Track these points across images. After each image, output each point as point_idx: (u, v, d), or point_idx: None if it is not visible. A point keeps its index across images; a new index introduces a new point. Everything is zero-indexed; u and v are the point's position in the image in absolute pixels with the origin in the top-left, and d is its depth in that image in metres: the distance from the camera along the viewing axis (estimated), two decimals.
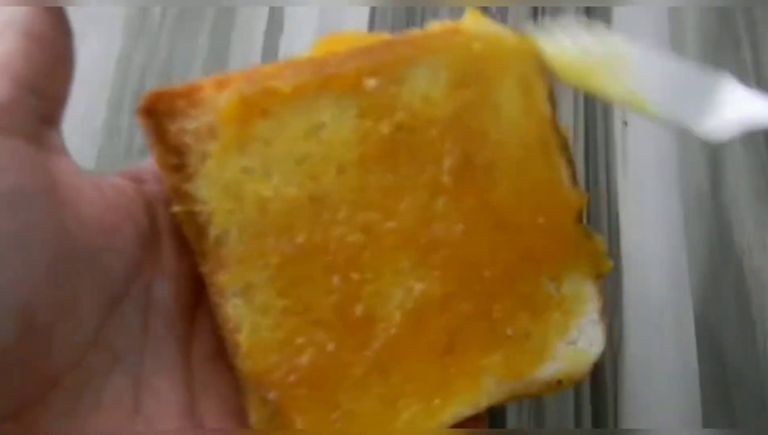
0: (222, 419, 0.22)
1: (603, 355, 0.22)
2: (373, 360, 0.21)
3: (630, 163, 0.47)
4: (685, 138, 0.48)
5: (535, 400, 0.41)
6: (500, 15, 0.52)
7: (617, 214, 0.45)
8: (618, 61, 0.23)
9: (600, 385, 0.41)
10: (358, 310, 0.22)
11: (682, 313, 0.43)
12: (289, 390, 0.21)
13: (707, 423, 0.40)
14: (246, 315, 0.21)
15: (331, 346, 0.21)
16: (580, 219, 0.24)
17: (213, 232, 0.21)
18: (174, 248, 0.23)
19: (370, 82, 0.22)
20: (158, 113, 0.21)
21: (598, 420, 0.41)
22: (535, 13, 0.52)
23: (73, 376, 0.20)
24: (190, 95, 0.22)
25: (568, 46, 0.24)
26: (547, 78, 0.24)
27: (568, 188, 0.24)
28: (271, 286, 0.21)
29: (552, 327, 0.23)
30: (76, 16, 0.22)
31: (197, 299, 0.23)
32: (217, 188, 0.21)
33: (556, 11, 0.52)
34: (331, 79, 0.22)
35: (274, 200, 0.21)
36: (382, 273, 0.22)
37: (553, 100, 0.24)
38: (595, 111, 0.48)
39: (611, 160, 0.47)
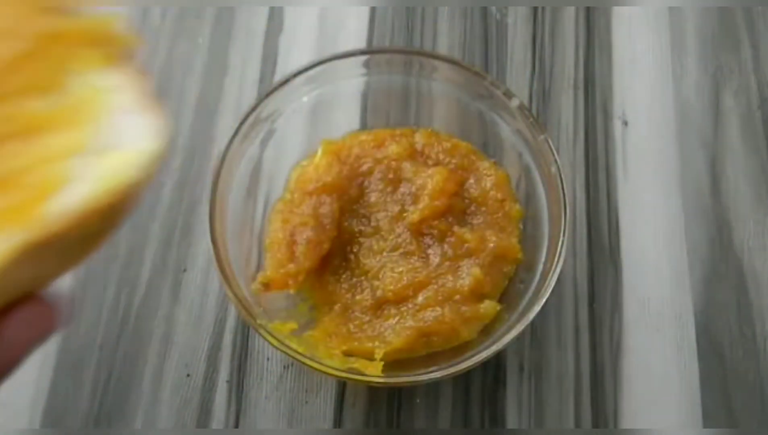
0: None
1: None
2: None
3: (630, 163, 0.47)
4: (685, 138, 0.48)
5: (535, 400, 0.41)
6: (500, 15, 0.52)
7: (617, 214, 0.45)
8: None
9: (600, 385, 0.41)
10: None
11: (682, 313, 0.43)
12: None
13: (707, 423, 0.40)
14: None
15: None
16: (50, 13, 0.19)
17: None
18: None
19: None
20: None
21: (598, 420, 0.41)
22: (535, 13, 0.52)
23: None
24: None
25: None
26: None
27: None
28: None
29: (54, 148, 0.18)
30: None
31: None
32: None
33: (556, 11, 0.52)
34: None
35: None
36: None
37: None
38: (595, 111, 0.48)
39: (611, 161, 0.47)
